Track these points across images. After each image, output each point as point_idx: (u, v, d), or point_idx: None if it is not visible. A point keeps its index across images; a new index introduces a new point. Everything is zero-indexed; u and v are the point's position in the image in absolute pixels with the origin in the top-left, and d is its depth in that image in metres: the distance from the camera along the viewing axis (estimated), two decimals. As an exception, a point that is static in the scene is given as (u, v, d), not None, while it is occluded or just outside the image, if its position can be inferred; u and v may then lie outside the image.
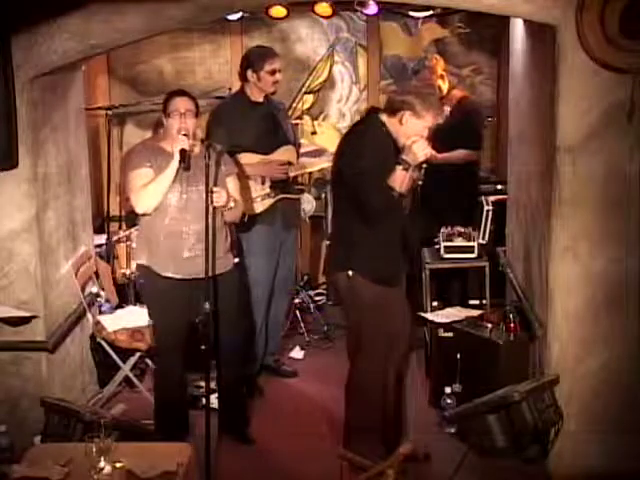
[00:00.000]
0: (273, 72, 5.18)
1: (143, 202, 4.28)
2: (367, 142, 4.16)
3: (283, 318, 5.76)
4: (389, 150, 4.16)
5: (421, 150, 4.09)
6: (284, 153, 5.28)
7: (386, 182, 4.07)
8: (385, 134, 4.18)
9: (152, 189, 4.24)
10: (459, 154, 5.97)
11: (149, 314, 4.57)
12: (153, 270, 4.38)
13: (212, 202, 4.14)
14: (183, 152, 4.18)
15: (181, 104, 4.28)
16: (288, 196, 5.33)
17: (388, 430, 4.36)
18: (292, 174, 5.33)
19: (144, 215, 4.36)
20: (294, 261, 5.73)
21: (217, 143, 4.33)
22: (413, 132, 4.14)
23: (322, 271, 4.59)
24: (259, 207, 5.17)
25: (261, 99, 5.24)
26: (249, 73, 5.18)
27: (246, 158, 5.07)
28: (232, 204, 4.31)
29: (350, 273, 4.20)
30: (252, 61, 5.19)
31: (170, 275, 4.34)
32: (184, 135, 4.21)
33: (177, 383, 4.54)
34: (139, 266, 4.51)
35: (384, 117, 4.21)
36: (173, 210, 4.29)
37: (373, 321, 4.24)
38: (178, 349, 4.44)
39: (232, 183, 4.46)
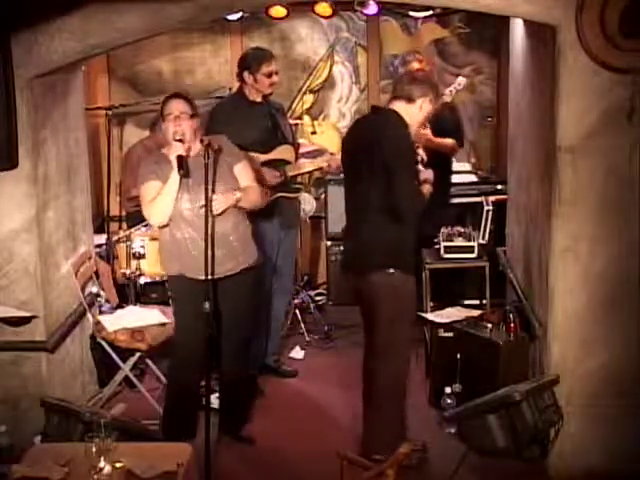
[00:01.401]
0: (270, 74, 5.17)
1: (154, 216, 4.27)
2: (402, 138, 4.19)
3: (283, 318, 5.76)
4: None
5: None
6: (282, 152, 5.27)
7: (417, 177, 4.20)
8: (407, 127, 4.22)
9: (159, 202, 4.21)
10: (448, 142, 5.90)
11: (178, 318, 4.52)
12: (184, 276, 4.33)
13: (212, 211, 4.11)
14: (180, 159, 4.14)
15: (174, 107, 4.24)
16: (285, 195, 5.32)
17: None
18: (290, 174, 5.32)
19: (161, 227, 4.33)
20: (293, 261, 5.71)
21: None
22: (423, 118, 4.28)
23: (342, 270, 4.44)
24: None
25: (259, 99, 5.24)
26: (246, 74, 5.18)
27: None
28: (238, 194, 4.27)
29: (391, 270, 4.19)
30: (249, 63, 5.19)
31: (201, 277, 4.20)
32: (178, 140, 4.17)
33: (193, 387, 4.51)
34: (170, 277, 4.49)
35: (401, 105, 4.23)
36: (187, 217, 4.25)
37: (408, 314, 4.30)
38: (200, 351, 4.28)
39: (242, 172, 4.39)
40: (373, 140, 4.20)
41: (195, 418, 4.53)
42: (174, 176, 4.16)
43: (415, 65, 6.01)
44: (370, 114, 4.56)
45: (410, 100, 4.23)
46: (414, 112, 4.23)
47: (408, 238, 4.27)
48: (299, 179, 5.67)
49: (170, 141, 4.24)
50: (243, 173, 4.41)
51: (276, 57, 5.36)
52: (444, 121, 5.82)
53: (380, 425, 4.30)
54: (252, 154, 5.07)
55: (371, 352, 4.36)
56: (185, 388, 4.50)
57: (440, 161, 5.84)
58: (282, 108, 5.51)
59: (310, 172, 6.07)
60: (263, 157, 5.17)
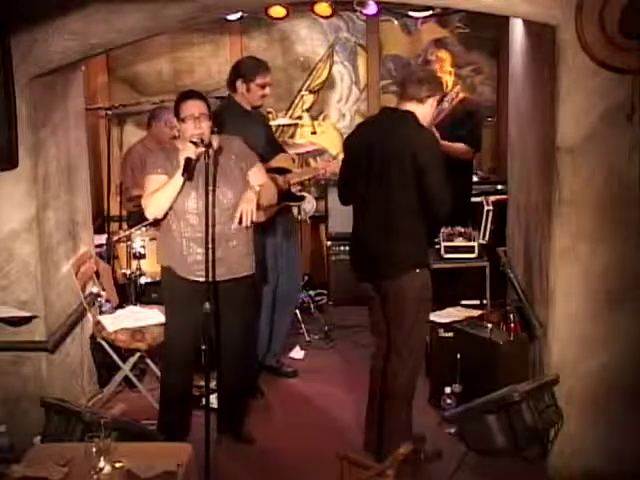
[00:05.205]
0: (264, 86, 5.09)
1: (150, 208, 4.27)
2: (430, 138, 4.24)
3: (288, 324, 5.72)
4: None
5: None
6: (281, 160, 5.21)
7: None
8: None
9: (158, 197, 4.22)
10: (459, 146, 5.87)
11: (166, 315, 4.53)
12: (174, 272, 4.34)
13: (241, 222, 4.18)
14: (188, 161, 4.10)
15: (195, 108, 4.20)
16: (291, 203, 5.29)
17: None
18: (292, 181, 5.25)
19: (162, 219, 4.32)
20: (298, 273, 5.67)
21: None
22: (431, 117, 4.32)
23: (358, 274, 4.38)
24: (261, 216, 4.77)
25: (249, 108, 5.16)
26: (239, 82, 5.08)
27: None
28: (257, 187, 4.27)
29: (418, 270, 4.24)
30: (243, 71, 5.09)
31: (191, 278, 4.28)
32: (193, 142, 4.13)
33: (186, 385, 4.52)
34: (162, 268, 4.47)
35: (413, 106, 4.23)
36: (192, 214, 4.24)
37: (428, 312, 4.42)
38: (191, 350, 4.39)
39: (256, 174, 4.40)
40: (398, 143, 4.16)
41: (188, 417, 4.54)
42: (177, 176, 4.15)
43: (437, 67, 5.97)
44: (382, 115, 4.46)
45: (420, 101, 4.23)
46: (425, 112, 4.25)
47: (427, 237, 4.37)
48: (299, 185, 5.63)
49: (187, 141, 4.18)
50: (258, 175, 4.42)
51: (271, 68, 5.22)
52: (460, 125, 5.82)
53: (397, 426, 4.28)
54: None
55: (394, 352, 4.33)
56: (176, 387, 4.50)
57: (458, 164, 5.86)
58: (263, 114, 5.47)
59: (309, 178, 6.00)
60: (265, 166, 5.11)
